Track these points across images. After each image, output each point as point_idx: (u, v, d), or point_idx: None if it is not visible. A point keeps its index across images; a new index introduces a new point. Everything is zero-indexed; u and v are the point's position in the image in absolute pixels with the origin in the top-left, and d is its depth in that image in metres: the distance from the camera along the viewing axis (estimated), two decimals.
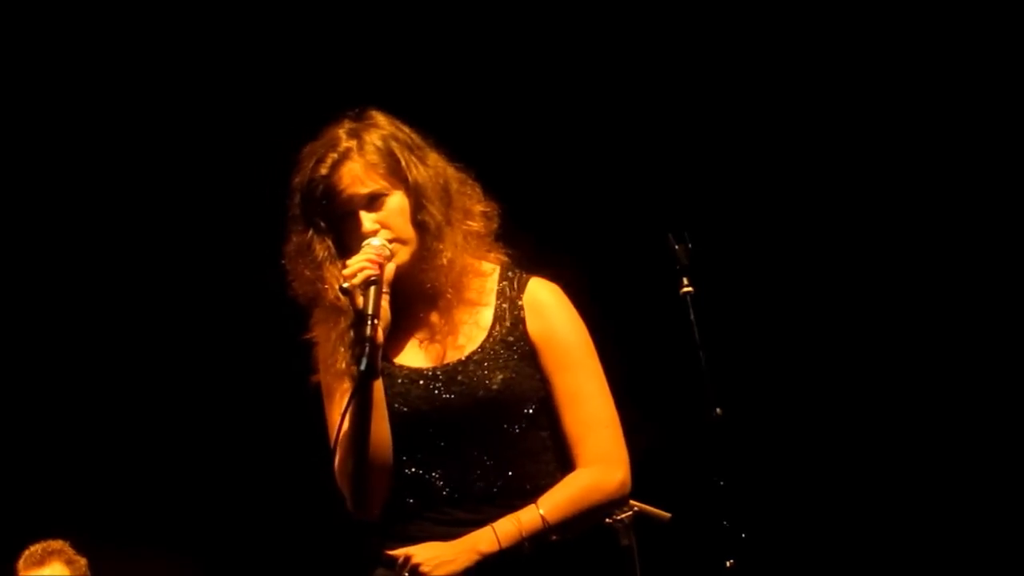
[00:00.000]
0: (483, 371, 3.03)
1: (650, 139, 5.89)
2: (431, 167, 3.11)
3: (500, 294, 3.12)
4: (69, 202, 6.08)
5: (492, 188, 3.24)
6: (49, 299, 6.11)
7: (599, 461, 3.05)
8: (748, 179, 5.93)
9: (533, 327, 3.10)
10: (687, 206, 5.61)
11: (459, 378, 3.03)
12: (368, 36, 5.88)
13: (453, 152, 3.21)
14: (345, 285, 2.94)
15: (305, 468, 5.89)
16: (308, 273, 3.08)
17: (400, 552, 2.96)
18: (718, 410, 3.75)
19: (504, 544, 2.95)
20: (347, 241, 3.06)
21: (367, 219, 3.03)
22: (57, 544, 5.04)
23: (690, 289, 3.73)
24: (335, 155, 3.06)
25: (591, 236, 5.73)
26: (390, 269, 3.00)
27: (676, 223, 3.81)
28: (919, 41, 5.78)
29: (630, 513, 3.94)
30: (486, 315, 3.10)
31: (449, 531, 2.98)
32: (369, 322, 2.91)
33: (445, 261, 3.06)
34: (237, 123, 5.91)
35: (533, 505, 2.99)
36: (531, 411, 3.05)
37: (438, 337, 3.08)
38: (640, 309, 5.41)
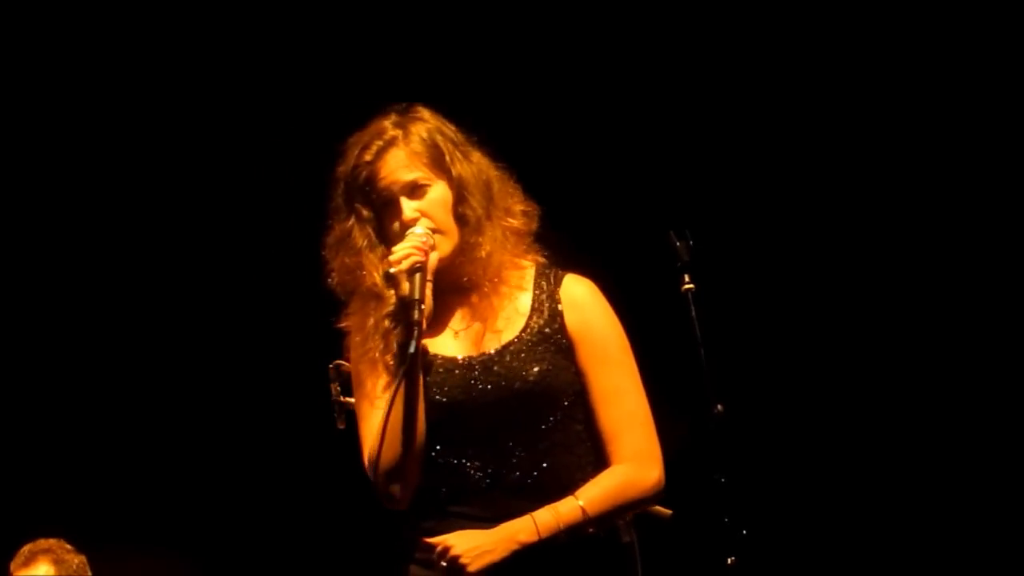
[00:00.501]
0: (520, 362, 3.04)
1: (651, 136, 5.89)
2: (474, 163, 3.14)
3: (537, 285, 3.13)
4: (70, 201, 6.08)
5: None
6: (48, 297, 6.10)
7: (636, 458, 3.07)
8: (749, 176, 5.93)
9: (571, 321, 3.11)
10: (688, 203, 5.61)
11: (496, 368, 3.03)
12: (375, 37, 5.89)
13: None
14: (392, 271, 2.96)
15: (307, 467, 5.94)
16: (348, 260, 3.08)
17: (438, 540, 2.95)
18: (719, 407, 3.74)
19: (543, 534, 2.95)
20: (387, 229, 3.07)
21: (408, 207, 3.05)
22: (47, 543, 5.02)
23: (691, 286, 3.73)
24: (380, 143, 3.08)
25: (592, 232, 5.73)
26: (433, 258, 3.01)
27: (677, 220, 3.81)
28: (919, 38, 5.78)
29: None
30: (524, 302, 3.11)
31: (482, 523, 2.98)
32: (416, 307, 2.92)
33: (484, 255, 3.07)
34: (241, 124, 5.91)
35: (572, 497, 3.00)
36: (567, 403, 3.06)
37: (475, 327, 3.09)
38: (641, 306, 5.41)
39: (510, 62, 5.89)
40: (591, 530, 3.01)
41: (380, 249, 3.06)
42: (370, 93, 5.72)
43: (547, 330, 3.08)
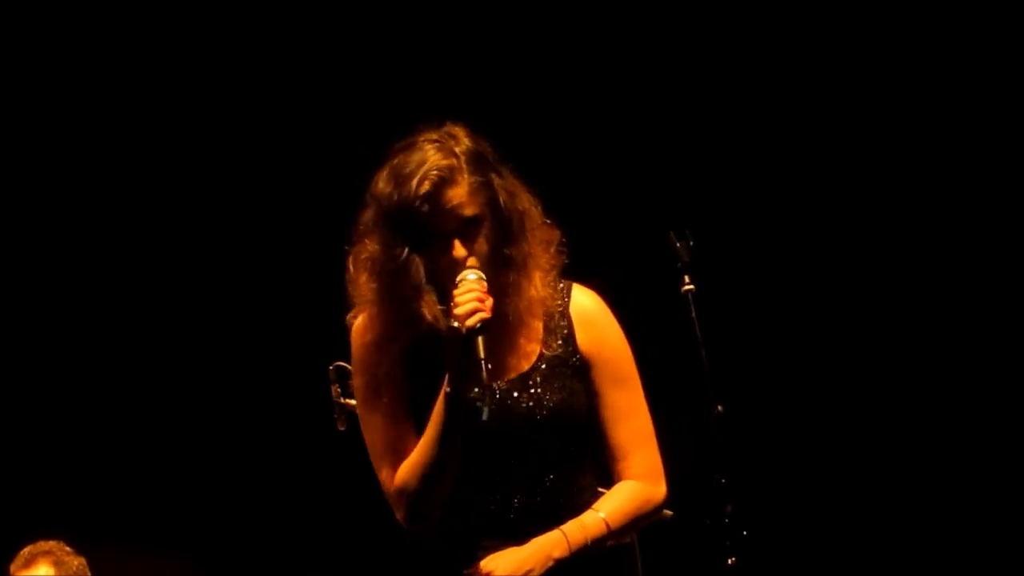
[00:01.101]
0: (539, 390, 3.04)
1: (651, 137, 5.88)
2: (516, 194, 3.09)
3: (545, 305, 3.10)
4: (73, 200, 6.07)
5: None
6: (50, 298, 6.09)
7: (647, 476, 3.12)
8: (749, 176, 5.93)
9: (584, 341, 3.11)
10: (688, 203, 5.61)
11: (517, 397, 3.03)
12: (375, 38, 5.88)
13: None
14: (456, 325, 2.90)
15: (308, 467, 5.93)
16: (404, 292, 3.00)
17: (482, 568, 2.96)
18: (719, 407, 3.74)
19: (574, 549, 2.99)
20: (430, 263, 3.01)
21: (460, 247, 3.00)
22: (47, 545, 5.00)
23: (691, 287, 3.72)
24: (436, 174, 3.00)
25: (592, 233, 5.72)
26: (489, 305, 2.96)
27: (677, 220, 3.80)
28: (920, 38, 5.78)
29: None
30: (536, 328, 3.09)
31: (504, 549, 3.00)
32: (484, 368, 2.89)
33: (525, 297, 3.05)
34: (243, 125, 5.91)
35: (593, 510, 3.04)
36: (581, 424, 3.08)
37: (494, 357, 3.05)
38: (641, 307, 5.41)
39: (511, 63, 5.89)
40: (610, 543, 3.04)
41: (432, 288, 3.00)
42: (370, 93, 5.76)
43: (562, 354, 3.08)
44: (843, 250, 5.93)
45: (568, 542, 2.99)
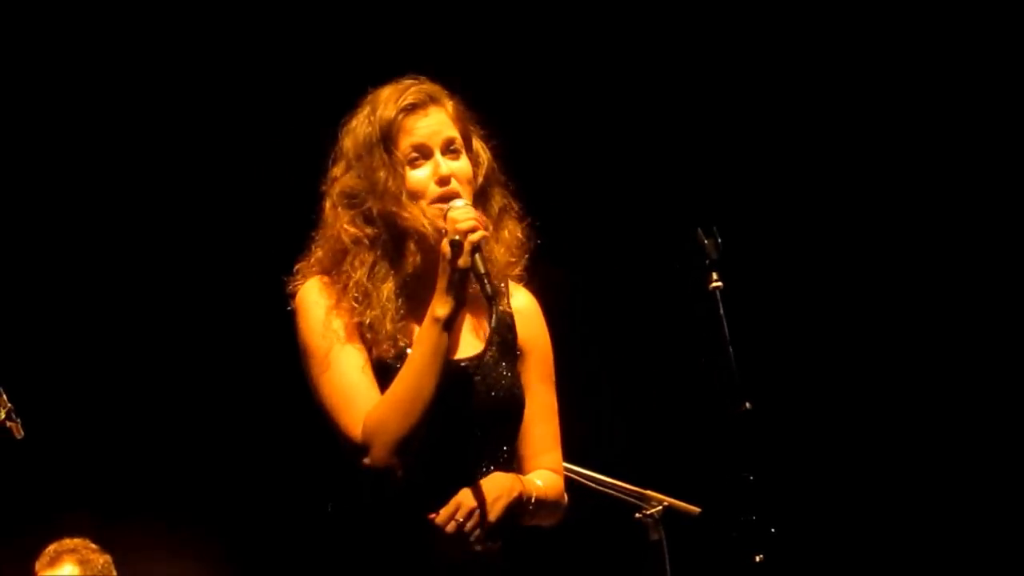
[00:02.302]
0: (494, 371, 3.00)
1: (680, 134, 5.88)
2: (491, 158, 3.08)
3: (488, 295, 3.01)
4: (79, 199, 6.08)
5: (520, 183, 3.23)
6: (72, 300, 6.10)
7: (559, 474, 3.08)
8: (777, 174, 5.92)
9: (523, 335, 3.08)
10: (716, 201, 5.61)
11: (476, 377, 2.98)
12: (378, 34, 5.88)
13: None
14: (458, 238, 2.84)
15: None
16: (381, 207, 2.94)
17: (446, 509, 2.88)
18: (747, 404, 3.74)
19: (527, 494, 2.94)
20: (412, 181, 2.96)
21: (444, 164, 2.97)
22: (71, 543, 5.00)
23: (719, 284, 3.72)
24: (422, 93, 3.01)
25: (621, 230, 5.73)
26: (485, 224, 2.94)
27: (705, 218, 3.81)
28: (948, 37, 5.77)
29: (660, 508, 3.94)
30: (483, 316, 3.03)
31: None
32: (489, 280, 2.86)
33: (495, 263, 2.99)
34: (243, 121, 5.92)
35: (530, 478, 2.99)
36: (518, 416, 3.03)
37: (464, 325, 3.02)
38: (669, 304, 5.41)
39: (537, 60, 5.89)
40: (531, 512, 2.97)
41: (421, 201, 2.94)
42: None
43: (507, 341, 3.05)
44: (871, 247, 5.92)
45: (523, 485, 2.93)
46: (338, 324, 2.94)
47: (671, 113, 5.90)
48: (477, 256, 2.85)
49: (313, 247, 3.04)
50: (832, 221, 5.93)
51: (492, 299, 2.86)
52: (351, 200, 2.98)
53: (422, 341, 2.88)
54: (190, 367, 6.06)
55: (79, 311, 6.05)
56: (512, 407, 2.99)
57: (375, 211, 2.96)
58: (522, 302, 3.10)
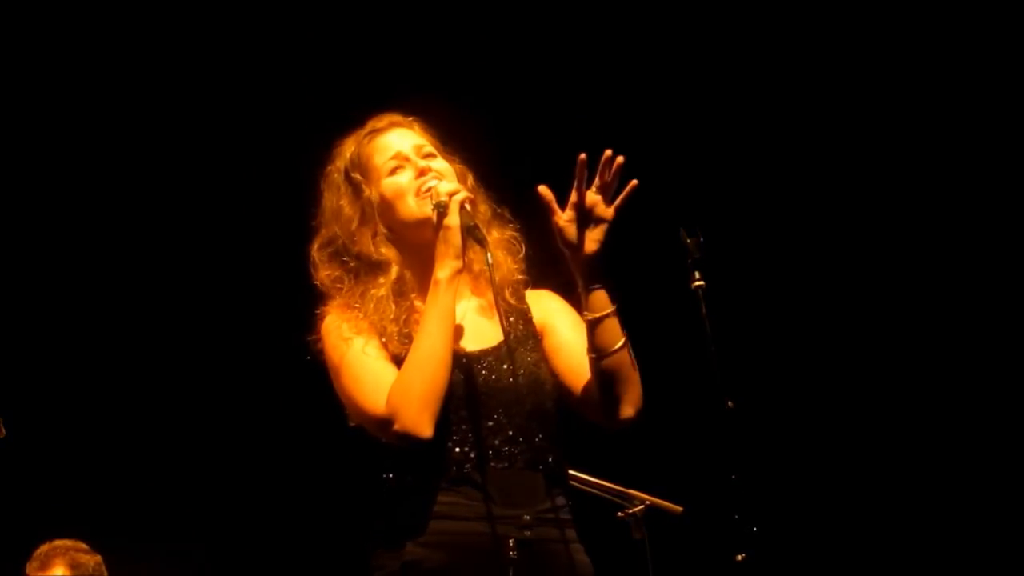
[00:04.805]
0: (514, 355, 3.08)
1: (662, 133, 5.89)
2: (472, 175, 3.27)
3: (510, 283, 3.20)
4: (85, 200, 6.08)
5: (502, 181, 3.27)
6: (61, 303, 6.10)
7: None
8: (759, 173, 5.94)
9: (539, 313, 3.21)
10: (699, 200, 5.62)
11: (496, 362, 3.08)
12: (371, 38, 5.88)
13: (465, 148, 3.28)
14: (444, 199, 3.03)
15: (323, 471, 5.94)
16: (339, 232, 3.14)
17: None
18: (729, 403, 3.74)
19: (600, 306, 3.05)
20: (393, 187, 3.14)
21: (420, 161, 3.15)
22: (62, 544, 4.99)
23: (702, 283, 3.72)
24: (388, 117, 3.23)
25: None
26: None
27: (688, 217, 3.81)
28: (927, 38, 5.78)
29: (642, 506, 3.95)
30: (496, 310, 3.13)
31: (474, 505, 3.00)
32: (477, 230, 3.02)
33: (498, 258, 3.15)
34: (245, 122, 5.92)
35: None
36: (549, 393, 3.11)
37: (477, 321, 3.15)
38: (652, 303, 5.42)
39: (523, 61, 5.90)
40: (614, 350, 3.05)
41: (376, 223, 3.13)
42: (369, 95, 5.76)
43: (526, 328, 3.17)
44: (853, 246, 5.93)
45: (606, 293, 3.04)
46: (353, 330, 3.09)
47: (654, 113, 5.91)
48: (463, 211, 3.03)
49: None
50: (815, 220, 5.95)
51: (483, 243, 3.02)
52: (327, 246, 3.20)
53: (429, 304, 3.02)
54: (189, 367, 6.07)
55: (74, 312, 6.06)
56: (536, 386, 3.07)
57: (343, 244, 3.17)
58: (537, 296, 3.25)
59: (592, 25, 5.93)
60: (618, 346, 3.04)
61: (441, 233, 3.02)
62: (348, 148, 3.22)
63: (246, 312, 6.02)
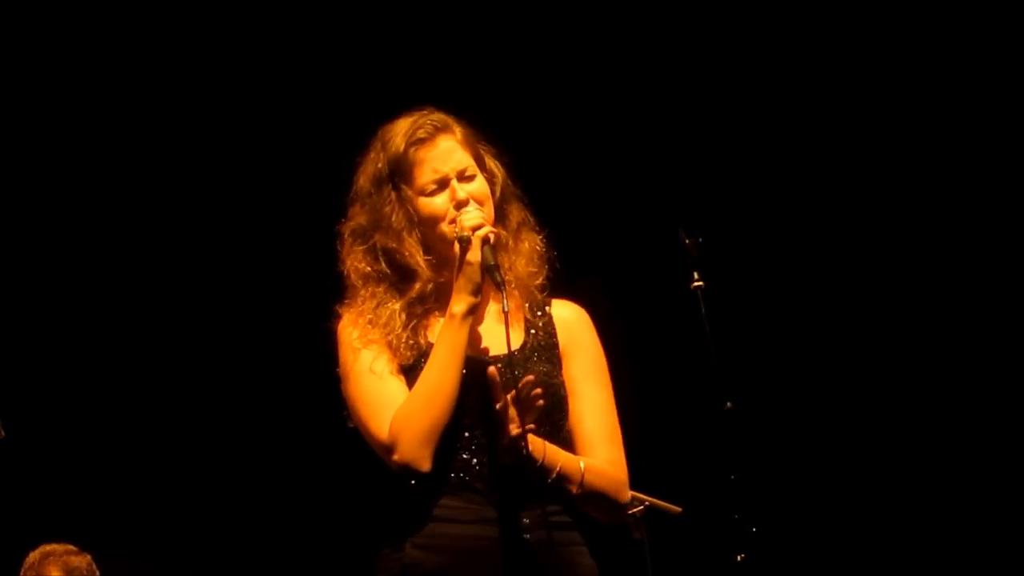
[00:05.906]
0: (526, 364, 3.06)
1: (661, 134, 5.89)
2: (505, 176, 3.20)
3: (530, 292, 3.17)
4: (85, 200, 6.07)
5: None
6: (58, 305, 6.09)
7: (615, 469, 3.12)
8: (759, 174, 5.94)
9: (566, 339, 3.16)
10: (698, 201, 5.62)
11: (506, 370, 3.03)
12: (372, 40, 5.88)
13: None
14: (466, 235, 3.01)
15: (316, 474, 5.94)
16: (386, 242, 3.08)
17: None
18: (729, 404, 3.75)
19: (540, 455, 2.98)
20: (431, 209, 3.09)
21: (461, 188, 3.09)
22: (53, 549, 4.97)
23: (701, 283, 3.73)
24: (431, 125, 3.12)
25: (602, 231, 5.74)
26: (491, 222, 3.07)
27: (687, 218, 3.82)
28: (927, 38, 5.79)
29: (642, 507, 3.95)
30: (519, 316, 3.14)
31: (476, 508, 2.99)
32: (498, 272, 2.99)
33: (515, 272, 3.12)
34: (248, 123, 5.91)
35: (577, 457, 3.04)
36: (557, 406, 3.09)
37: (493, 328, 3.12)
38: (651, 303, 5.43)
39: (520, 61, 5.89)
40: (573, 490, 3.02)
41: (417, 233, 3.08)
42: (370, 95, 5.76)
43: (546, 340, 3.14)
44: (852, 246, 5.93)
45: (544, 450, 2.98)
46: (364, 343, 3.07)
47: (652, 114, 5.91)
48: (486, 248, 3.00)
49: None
50: (814, 221, 5.94)
51: (501, 286, 2.98)
52: (360, 237, 3.13)
53: (442, 338, 3.01)
54: (189, 367, 6.07)
55: (75, 313, 6.06)
56: (545, 396, 3.01)
57: (379, 246, 3.11)
58: (565, 312, 3.19)
59: (592, 25, 5.92)
60: (568, 484, 3.01)
61: (462, 268, 3.02)
62: (392, 142, 3.14)
63: (246, 312, 6.01)
